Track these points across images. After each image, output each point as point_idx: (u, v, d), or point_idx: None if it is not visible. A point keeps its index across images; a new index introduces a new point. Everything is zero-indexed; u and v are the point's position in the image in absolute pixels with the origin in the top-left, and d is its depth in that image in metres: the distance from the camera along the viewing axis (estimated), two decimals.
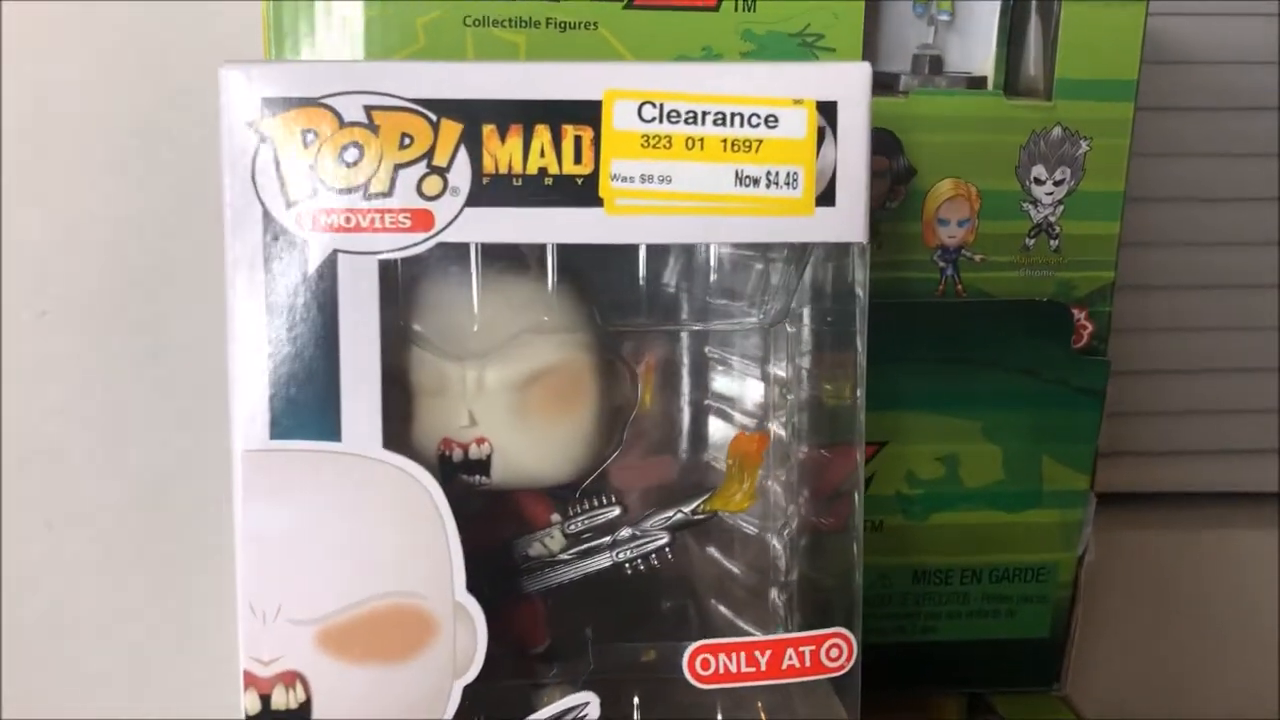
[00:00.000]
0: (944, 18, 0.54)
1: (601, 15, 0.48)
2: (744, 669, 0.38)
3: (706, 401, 0.48)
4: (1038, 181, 0.53)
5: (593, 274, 0.42)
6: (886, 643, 0.57)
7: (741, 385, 0.47)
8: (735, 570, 0.48)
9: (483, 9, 0.48)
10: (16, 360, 0.60)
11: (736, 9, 0.49)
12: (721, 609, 0.46)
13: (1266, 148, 0.70)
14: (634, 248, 0.42)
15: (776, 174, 0.36)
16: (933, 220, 0.53)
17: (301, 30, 0.47)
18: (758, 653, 0.38)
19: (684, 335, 0.47)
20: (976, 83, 0.54)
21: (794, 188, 0.36)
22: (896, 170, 0.52)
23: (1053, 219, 0.53)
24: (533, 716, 0.38)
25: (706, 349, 0.48)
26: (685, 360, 0.48)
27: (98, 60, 0.58)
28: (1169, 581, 0.71)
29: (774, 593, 0.46)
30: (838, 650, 0.39)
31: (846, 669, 0.39)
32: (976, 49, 0.55)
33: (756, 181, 0.36)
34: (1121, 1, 0.51)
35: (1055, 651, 0.58)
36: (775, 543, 0.46)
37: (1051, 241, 0.53)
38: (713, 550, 0.48)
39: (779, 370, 0.46)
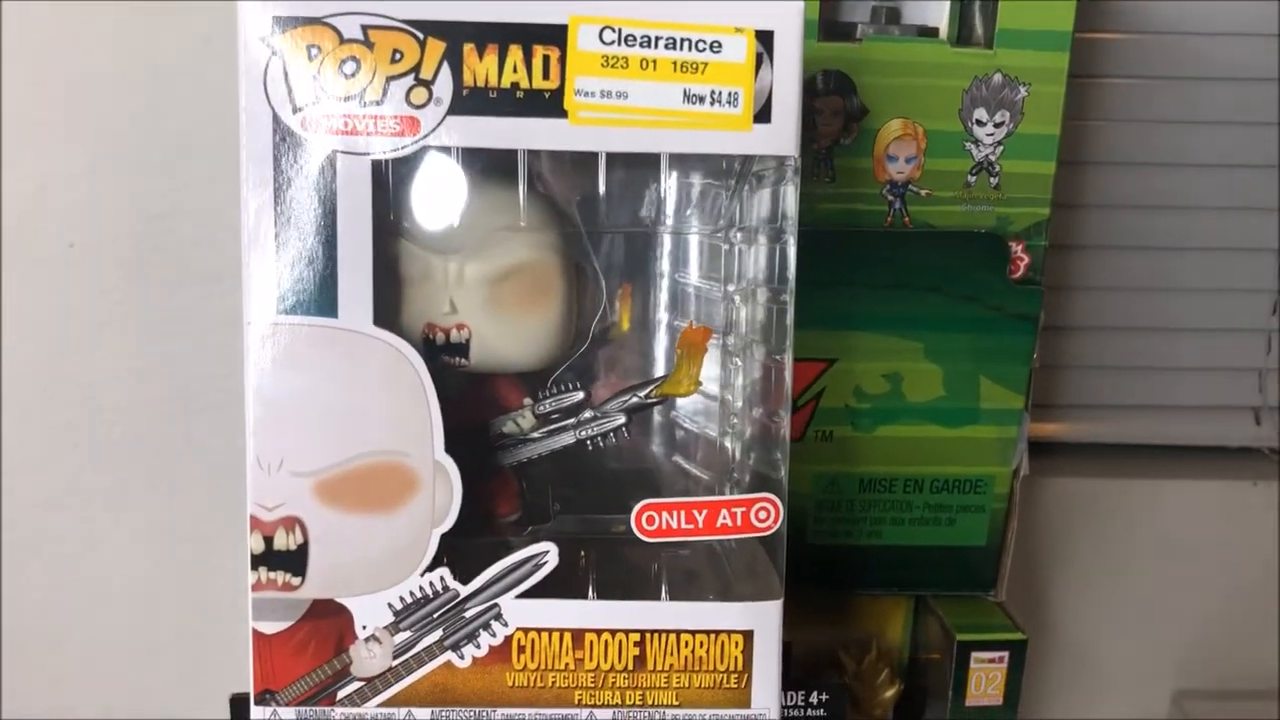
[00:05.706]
0: None
1: None
2: (684, 525, 0.44)
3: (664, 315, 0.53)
4: (979, 123, 0.58)
5: (562, 182, 0.48)
6: (837, 544, 0.63)
7: (698, 303, 0.53)
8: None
9: None
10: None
11: None
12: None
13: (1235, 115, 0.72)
14: (596, 159, 0.47)
15: (719, 93, 0.42)
16: (882, 157, 0.58)
17: None
18: (696, 511, 0.44)
19: (656, 268, 0.53)
20: (927, 33, 0.59)
21: (734, 106, 0.42)
22: (850, 109, 0.57)
23: (993, 158, 0.58)
24: (500, 562, 0.44)
25: (677, 275, 0.53)
26: (657, 282, 0.54)
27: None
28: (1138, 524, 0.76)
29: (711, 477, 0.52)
30: (766, 512, 0.44)
31: (774, 529, 0.44)
32: (931, 4, 0.60)
33: (702, 99, 0.42)
34: None
35: (992, 559, 0.64)
36: (727, 443, 0.52)
37: (991, 179, 0.58)
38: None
39: (729, 286, 0.51)
